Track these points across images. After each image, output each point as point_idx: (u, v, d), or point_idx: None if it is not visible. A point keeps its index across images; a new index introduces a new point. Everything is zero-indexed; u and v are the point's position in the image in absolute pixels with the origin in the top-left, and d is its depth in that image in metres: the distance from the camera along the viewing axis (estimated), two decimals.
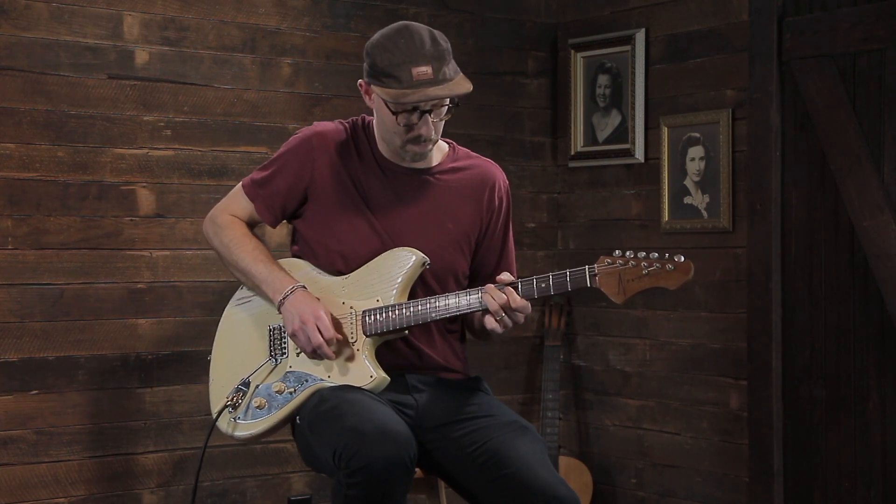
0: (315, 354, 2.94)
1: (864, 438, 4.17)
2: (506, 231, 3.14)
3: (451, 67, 2.90)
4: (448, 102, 2.94)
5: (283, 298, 2.97)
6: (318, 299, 2.97)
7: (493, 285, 2.88)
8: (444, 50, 2.89)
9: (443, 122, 2.97)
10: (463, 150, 3.14)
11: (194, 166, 4.31)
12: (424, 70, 2.85)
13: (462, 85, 2.90)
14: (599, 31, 4.93)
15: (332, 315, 2.95)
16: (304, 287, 2.99)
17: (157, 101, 4.24)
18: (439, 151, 3.08)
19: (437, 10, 4.83)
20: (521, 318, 2.88)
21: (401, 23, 2.95)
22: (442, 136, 3.09)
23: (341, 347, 2.94)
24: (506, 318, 2.86)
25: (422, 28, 2.92)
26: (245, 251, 3.07)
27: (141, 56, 4.21)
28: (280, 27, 4.48)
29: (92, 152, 4.13)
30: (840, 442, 4.23)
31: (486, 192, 3.08)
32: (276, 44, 4.47)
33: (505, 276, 2.91)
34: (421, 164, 3.04)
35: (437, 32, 2.92)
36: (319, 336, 2.90)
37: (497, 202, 3.10)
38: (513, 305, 2.85)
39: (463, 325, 3.13)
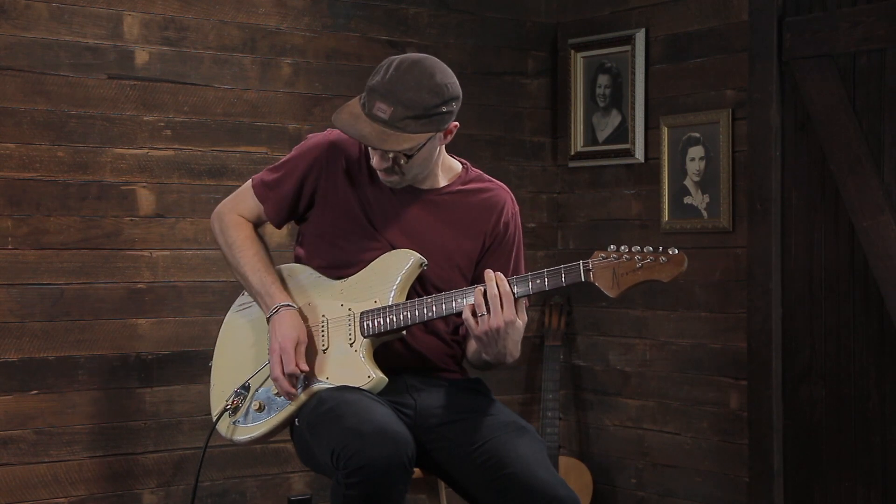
0: (275, 384, 2.95)
1: (864, 438, 4.17)
2: (509, 255, 3.07)
3: (418, 122, 2.81)
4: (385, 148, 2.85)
5: (269, 318, 2.99)
6: (299, 327, 2.95)
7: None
8: (421, 103, 2.80)
9: (411, 164, 2.90)
10: (476, 172, 3.11)
11: (194, 166, 4.31)
12: (383, 107, 2.80)
13: (391, 141, 2.80)
14: (599, 31, 4.93)
15: (303, 345, 2.93)
16: (288, 306, 2.98)
17: (157, 101, 4.24)
18: (450, 172, 3.06)
19: (437, 10, 4.83)
20: (497, 319, 2.82)
21: (422, 56, 2.89)
22: (456, 156, 3.09)
23: (340, 349, 2.95)
24: (483, 318, 2.82)
25: (429, 74, 2.83)
26: (246, 256, 3.08)
27: (141, 56, 4.21)
28: (280, 27, 4.48)
29: (92, 152, 4.13)
30: (840, 442, 4.23)
31: (493, 217, 3.05)
32: (276, 44, 4.47)
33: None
34: (426, 185, 3.02)
35: (443, 85, 2.83)
36: (277, 369, 2.91)
37: (503, 227, 3.06)
38: (493, 290, 2.79)
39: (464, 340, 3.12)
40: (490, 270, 2.84)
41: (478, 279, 3.00)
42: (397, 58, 2.88)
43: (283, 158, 3.10)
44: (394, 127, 2.82)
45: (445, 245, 3.01)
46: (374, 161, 2.91)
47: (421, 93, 2.81)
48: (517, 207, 3.13)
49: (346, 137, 3.03)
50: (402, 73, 2.83)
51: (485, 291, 2.82)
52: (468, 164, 3.12)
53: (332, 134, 3.06)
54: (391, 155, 2.88)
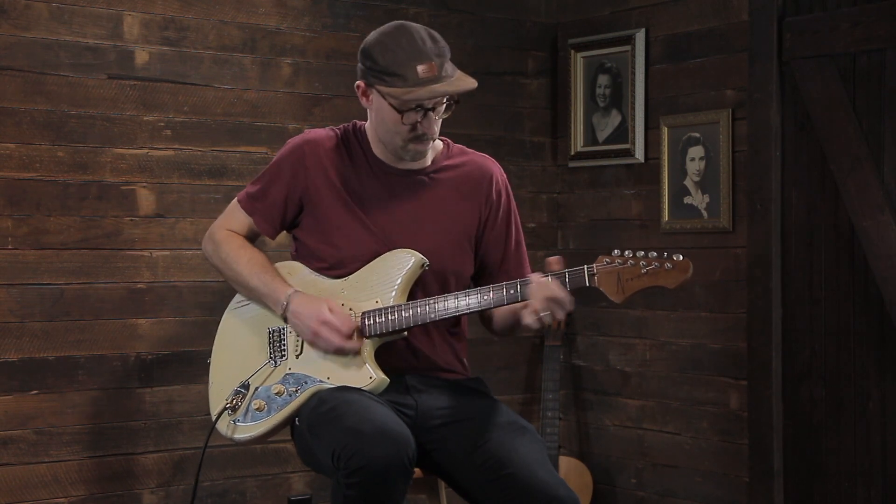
0: (341, 353, 2.94)
1: (864, 438, 4.17)
2: (508, 225, 3.10)
3: (450, 65, 2.91)
4: (448, 100, 2.94)
5: (284, 311, 2.98)
6: (318, 298, 2.96)
7: (538, 276, 2.85)
8: (444, 47, 2.91)
9: (440, 120, 2.97)
10: (457, 146, 3.13)
11: (194, 166, 4.31)
12: (428, 67, 2.86)
13: (466, 81, 2.91)
14: (599, 31, 4.93)
15: (336, 307, 2.94)
16: (297, 291, 2.99)
17: (157, 101, 4.24)
18: (434, 149, 3.08)
19: (437, 10, 4.83)
20: (561, 313, 2.83)
21: (397, 22, 2.97)
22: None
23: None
24: (548, 315, 2.82)
25: (418, 26, 2.93)
26: (241, 265, 3.07)
27: (141, 56, 4.21)
28: (280, 27, 4.48)
29: (92, 152, 4.13)
30: (840, 442, 4.23)
31: (484, 188, 3.07)
32: (276, 44, 4.47)
33: (552, 261, 2.89)
34: (416, 165, 3.03)
35: (432, 31, 2.94)
36: (335, 340, 2.90)
37: (495, 196, 3.08)
38: (558, 296, 2.81)
39: (482, 321, 3.12)
40: (535, 276, 2.84)
41: (483, 262, 3.06)
42: (388, 33, 2.93)
43: (266, 167, 3.10)
44: (450, 74, 2.91)
45: (445, 226, 3.01)
46: (435, 122, 2.93)
47: (437, 41, 2.92)
48: (504, 175, 3.15)
49: (324, 134, 3.05)
50: (410, 35, 2.89)
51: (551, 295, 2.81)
52: (449, 140, 3.12)
53: (309, 134, 3.07)
54: (453, 104, 2.95)
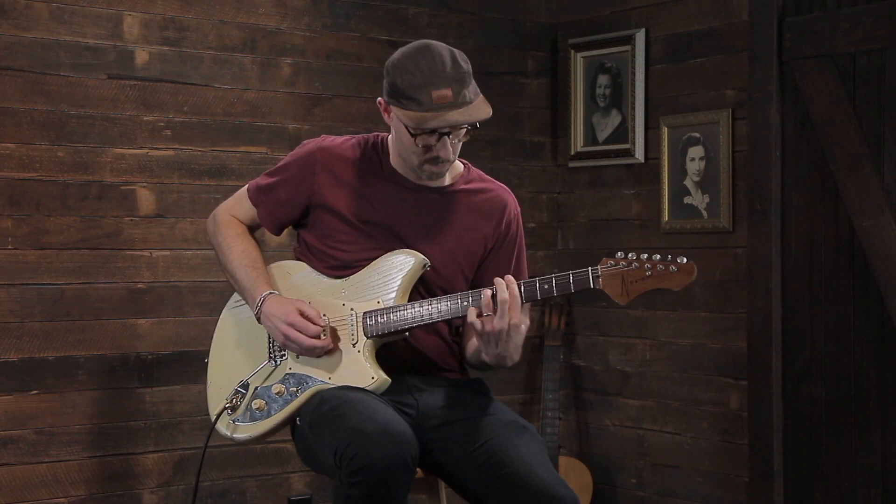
0: (313, 353, 2.94)
1: (864, 438, 4.17)
2: (511, 255, 3.09)
3: (472, 89, 2.87)
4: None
5: (258, 312, 2.99)
6: (289, 301, 2.97)
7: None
8: (465, 72, 2.87)
9: (461, 143, 2.96)
10: (477, 171, 3.12)
11: (194, 166, 4.31)
12: (444, 93, 2.82)
13: (482, 110, 2.87)
14: (599, 31, 4.93)
15: (307, 309, 2.94)
16: (272, 293, 2.99)
17: (157, 101, 4.24)
18: (453, 171, 3.07)
19: (437, 10, 4.83)
20: (504, 324, 2.81)
21: (422, 42, 2.92)
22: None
23: (342, 349, 2.95)
24: (496, 324, 2.82)
25: (443, 48, 2.89)
26: (234, 254, 3.09)
27: (141, 56, 4.21)
28: (280, 27, 4.48)
29: (92, 152, 4.13)
30: (840, 442, 4.23)
31: (495, 218, 3.06)
32: (276, 44, 4.47)
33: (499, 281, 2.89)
34: (432, 182, 3.03)
35: (458, 52, 2.89)
36: (304, 340, 2.91)
37: (504, 228, 3.07)
38: (504, 294, 2.80)
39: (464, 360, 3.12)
40: (499, 278, 2.84)
41: (479, 280, 3.03)
42: (410, 54, 2.88)
43: (279, 164, 3.11)
44: (468, 100, 2.86)
45: (448, 244, 3.01)
46: (452, 146, 2.91)
47: (458, 65, 2.87)
48: (518, 208, 3.14)
49: (340, 142, 3.05)
50: (431, 58, 2.85)
51: (493, 294, 2.82)
52: (468, 163, 3.12)
53: (325, 140, 3.07)
54: (470, 129, 2.92)
